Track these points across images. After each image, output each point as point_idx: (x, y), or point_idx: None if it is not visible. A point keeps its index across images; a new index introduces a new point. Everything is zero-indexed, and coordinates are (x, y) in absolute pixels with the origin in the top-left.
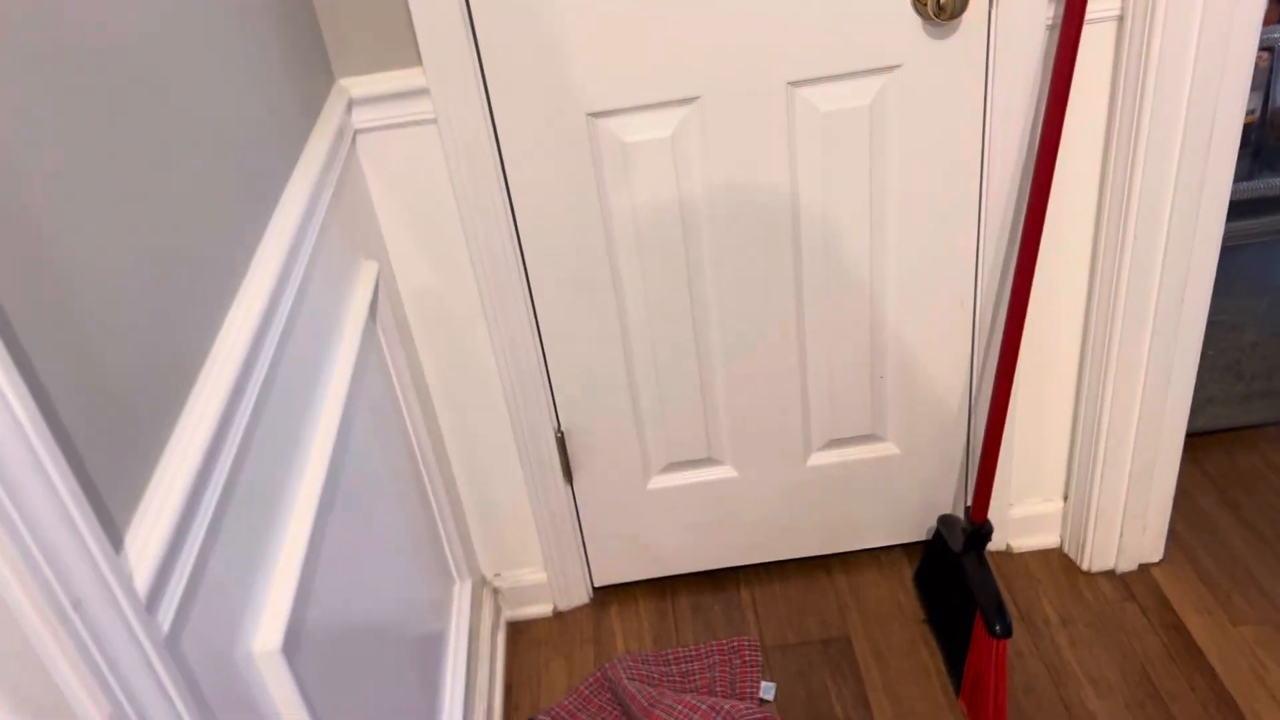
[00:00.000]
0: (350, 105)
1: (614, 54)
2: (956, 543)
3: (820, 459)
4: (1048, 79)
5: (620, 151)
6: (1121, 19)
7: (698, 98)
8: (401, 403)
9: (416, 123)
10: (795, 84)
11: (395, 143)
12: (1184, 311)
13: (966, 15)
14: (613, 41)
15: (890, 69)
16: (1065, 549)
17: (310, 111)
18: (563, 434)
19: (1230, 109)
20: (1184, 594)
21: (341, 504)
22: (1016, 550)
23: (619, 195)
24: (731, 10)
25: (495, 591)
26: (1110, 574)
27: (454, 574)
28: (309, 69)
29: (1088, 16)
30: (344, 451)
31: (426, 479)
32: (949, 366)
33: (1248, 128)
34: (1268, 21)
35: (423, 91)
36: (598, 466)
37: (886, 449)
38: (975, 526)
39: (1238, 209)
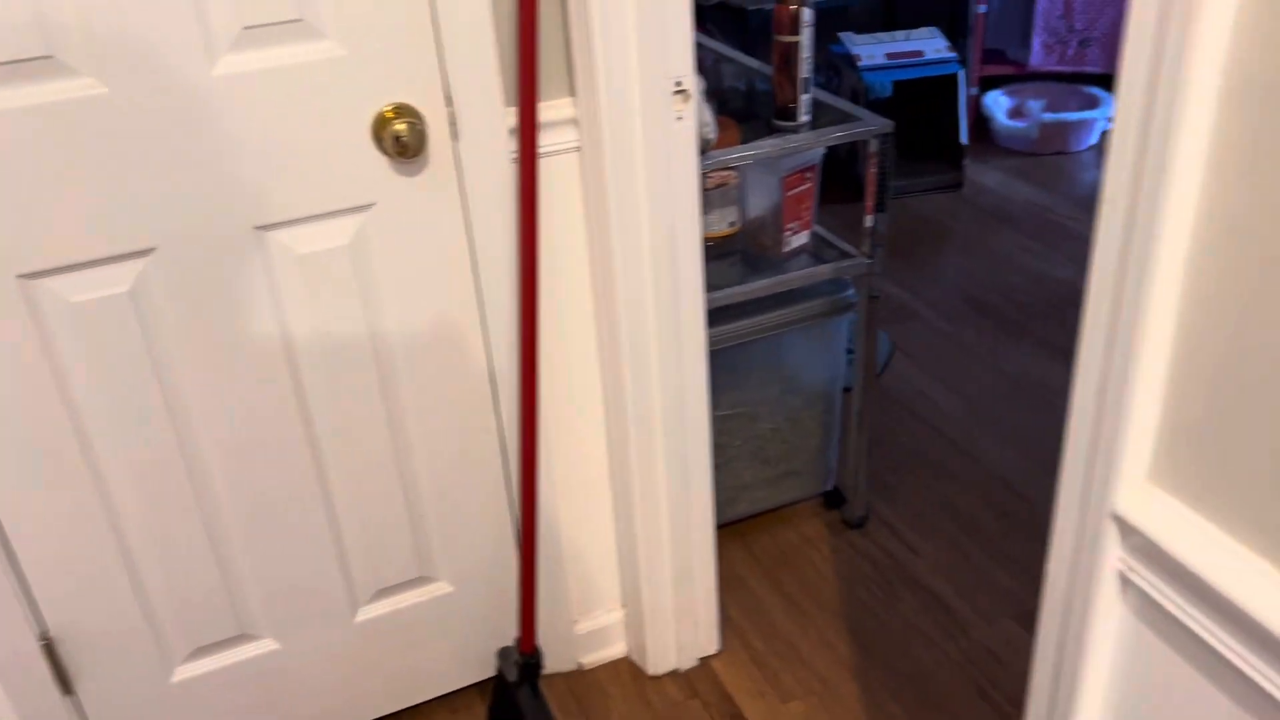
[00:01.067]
0: None
1: (47, 207)
2: (513, 675)
3: (370, 612)
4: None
5: (69, 313)
6: (581, 149)
7: (154, 249)
8: None
9: None
10: (264, 228)
11: None
12: (687, 413)
13: (431, 152)
14: (44, 194)
15: (365, 208)
16: (632, 656)
17: None
18: (50, 640)
19: (688, 226)
20: (740, 680)
21: None
22: (588, 665)
23: (76, 359)
24: (185, 155)
25: None
26: (674, 674)
27: None
28: None
29: (549, 148)
30: None
31: None
32: (486, 494)
33: (732, 238)
34: (728, 142)
35: None
36: (105, 668)
37: (439, 588)
38: (525, 657)
39: (737, 310)
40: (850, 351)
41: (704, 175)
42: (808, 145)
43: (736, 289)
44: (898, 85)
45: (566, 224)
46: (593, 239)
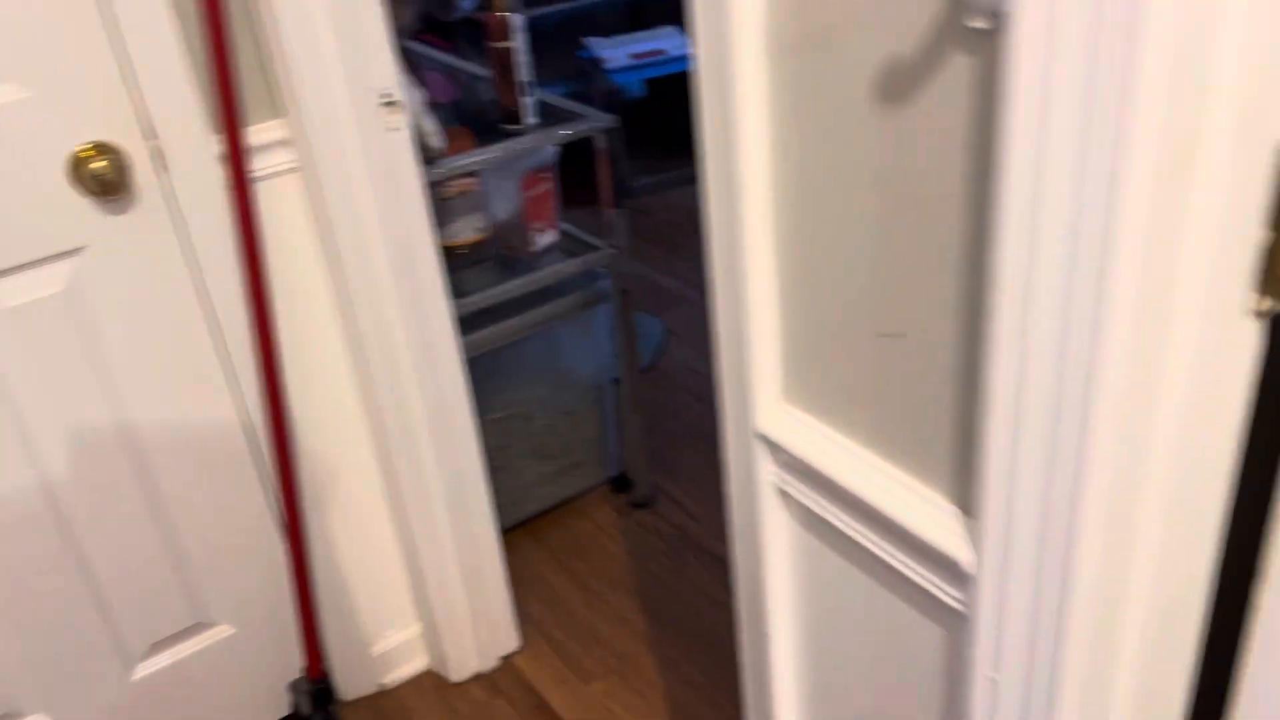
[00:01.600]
0: None
1: None
2: (306, 706)
3: (149, 667)
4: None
5: None
6: (299, 169)
7: None
8: None
9: None
10: None
11: None
12: (452, 421)
13: (138, 188)
14: None
15: (74, 252)
16: (434, 667)
17: None
18: None
19: (422, 235)
20: (543, 671)
21: None
22: (390, 685)
23: None
24: None
25: None
26: (478, 677)
27: None
28: None
29: (266, 171)
30: None
31: None
32: (254, 531)
33: (482, 243)
34: (462, 149)
35: None
36: None
37: (221, 631)
38: (314, 684)
39: (497, 313)
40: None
41: (443, 184)
42: (534, 146)
43: (491, 292)
44: (651, 84)
45: (298, 246)
46: (328, 258)
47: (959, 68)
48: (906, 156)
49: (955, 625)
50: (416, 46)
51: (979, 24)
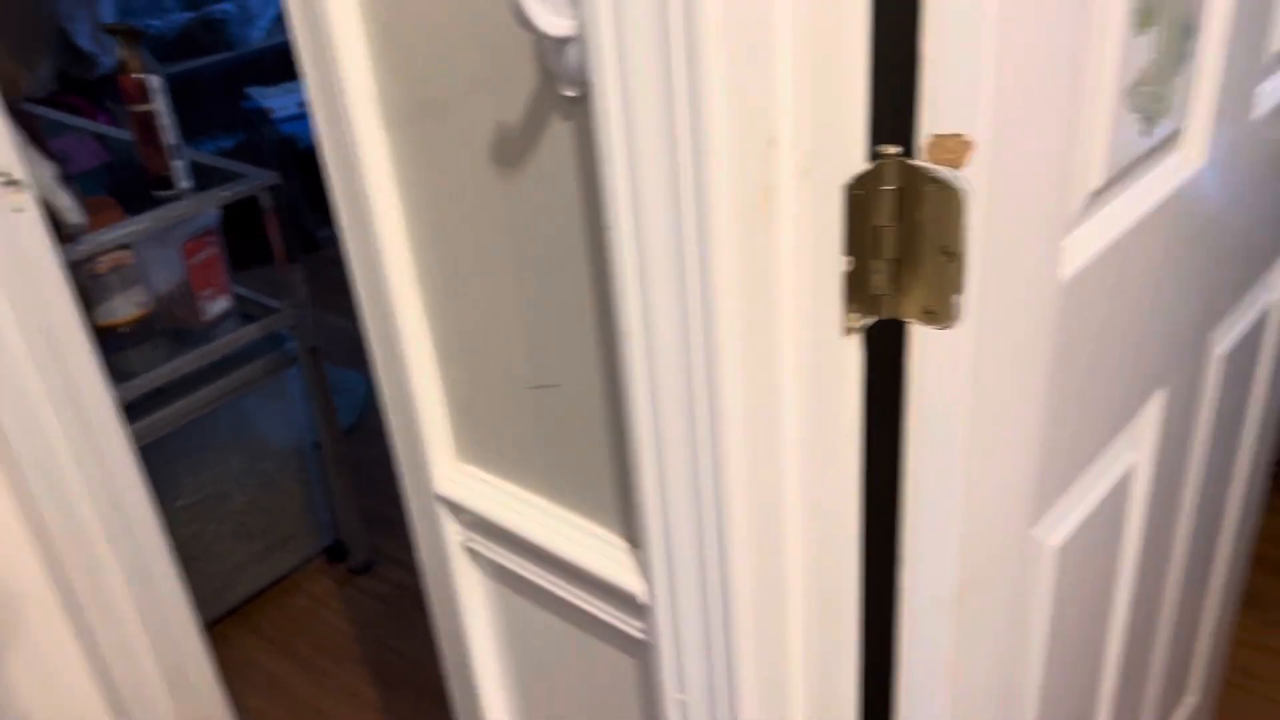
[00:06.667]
0: None
1: None
2: None
3: None
4: None
5: None
6: None
7: None
8: None
9: None
10: None
11: None
12: (130, 517)
13: None
14: None
15: None
16: None
17: None
18: None
19: (68, 319)
20: None
21: None
22: None
23: None
24: None
25: None
26: None
27: None
28: None
29: None
30: None
31: None
32: None
33: (147, 318)
34: (108, 222)
35: None
36: None
37: None
38: None
39: (174, 391)
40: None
41: (90, 260)
42: (189, 212)
43: (161, 370)
44: None
45: None
46: None
47: (561, 133)
48: (531, 218)
49: (642, 654)
50: (51, 112)
51: (571, 93)
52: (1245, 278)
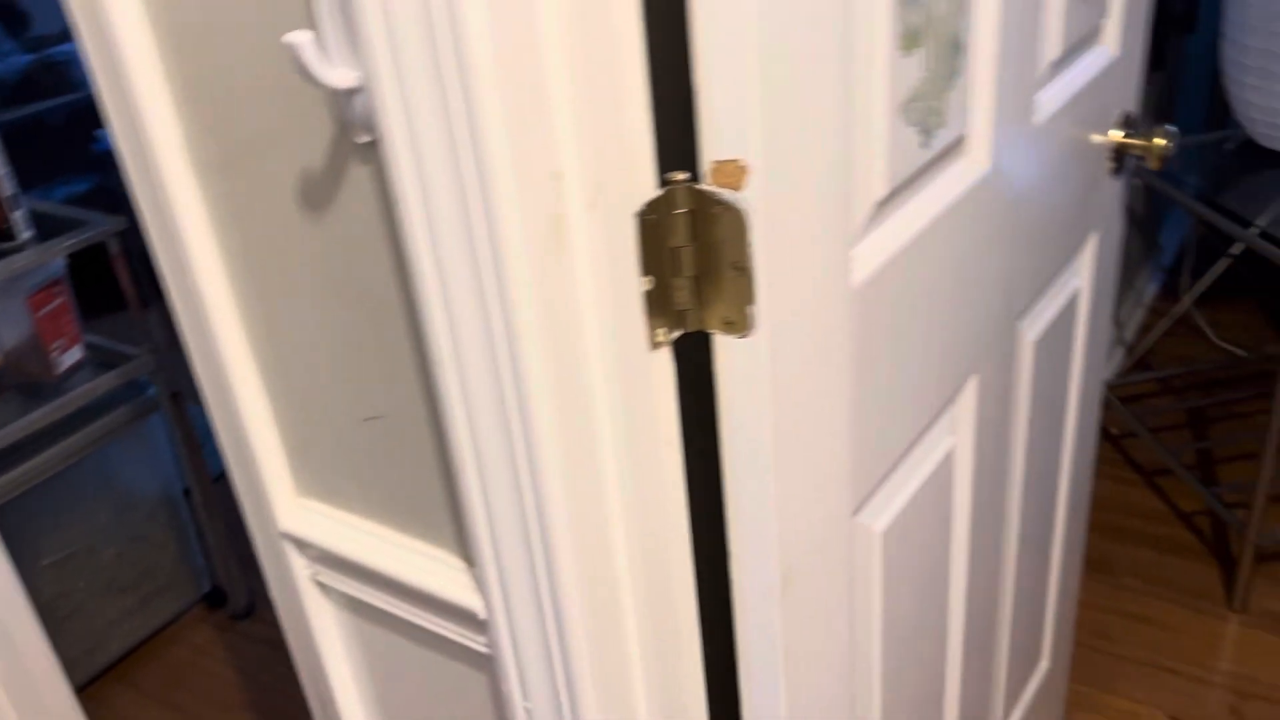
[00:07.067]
0: None
1: None
2: None
3: None
4: None
5: None
6: None
7: None
8: None
9: None
10: None
11: None
12: None
13: None
14: None
15: None
16: None
17: None
18: None
19: None
20: None
21: None
22: None
23: None
24: None
25: None
26: None
27: None
28: None
29: None
30: None
31: None
32: None
33: None
34: None
35: None
36: None
37: None
38: None
39: (30, 447)
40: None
41: None
42: (32, 264)
43: (14, 426)
44: None
45: None
46: None
47: (361, 177)
48: (342, 258)
49: (489, 668)
50: None
51: (364, 139)
52: (1049, 268)
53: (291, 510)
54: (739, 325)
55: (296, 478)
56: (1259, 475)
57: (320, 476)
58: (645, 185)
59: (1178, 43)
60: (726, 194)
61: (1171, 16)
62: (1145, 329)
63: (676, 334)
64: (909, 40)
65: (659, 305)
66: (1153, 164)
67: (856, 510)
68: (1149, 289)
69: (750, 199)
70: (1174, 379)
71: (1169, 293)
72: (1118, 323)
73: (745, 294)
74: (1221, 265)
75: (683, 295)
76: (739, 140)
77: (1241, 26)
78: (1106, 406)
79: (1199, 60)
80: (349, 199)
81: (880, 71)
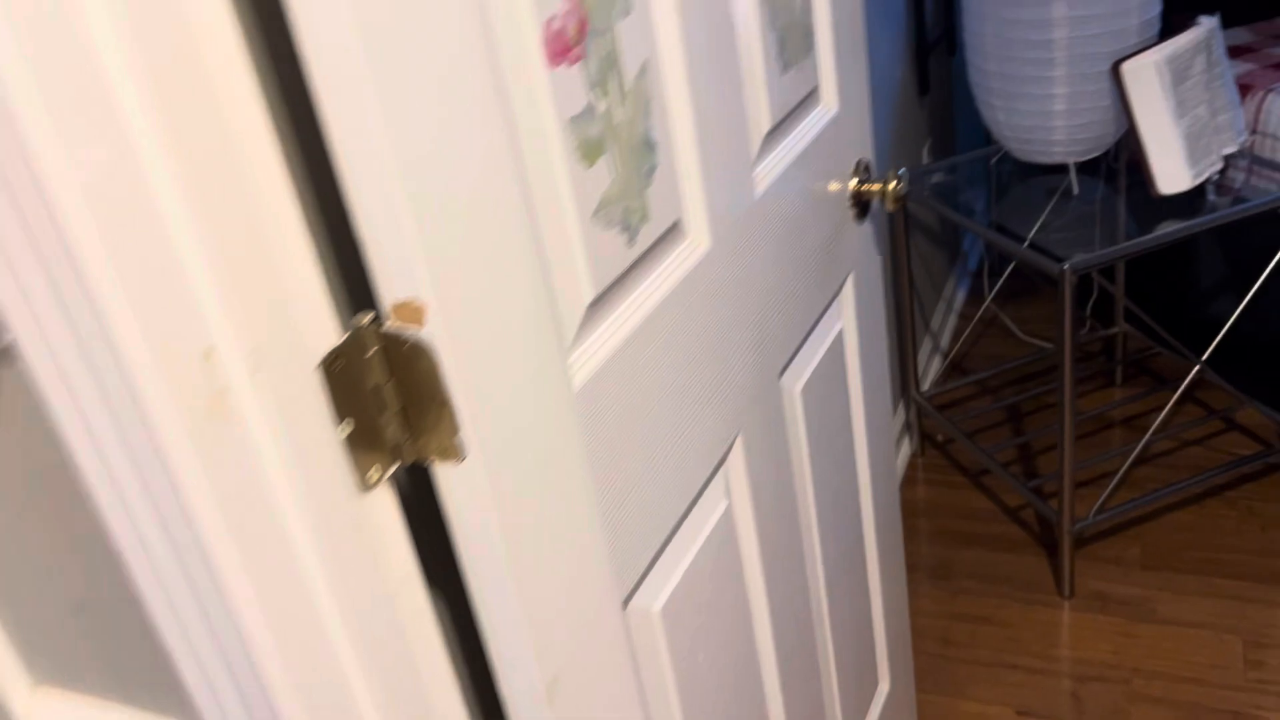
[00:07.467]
0: None
1: None
2: None
3: None
4: None
5: None
6: None
7: None
8: None
9: None
10: None
11: None
12: None
13: None
14: None
15: None
16: None
17: None
18: None
19: None
20: None
21: None
22: None
23: None
24: None
25: None
26: None
27: None
28: None
29: None
30: None
31: None
32: None
33: None
34: None
35: None
36: None
37: None
38: None
39: None
40: None
41: None
42: None
43: None
44: None
45: None
46: None
47: (5, 379)
48: (21, 459)
49: None
50: None
51: (7, 339)
52: (806, 318)
53: (28, 703)
54: (452, 452)
55: (31, 669)
56: (1062, 465)
57: (55, 665)
58: (326, 334)
59: (944, 65)
60: (410, 332)
61: (927, 42)
62: (958, 335)
63: (394, 468)
64: (589, 151)
65: (367, 444)
66: (890, 205)
67: (628, 598)
68: (959, 296)
69: (434, 334)
70: (990, 379)
71: (977, 296)
72: (932, 333)
73: (450, 424)
74: (1011, 265)
75: (393, 430)
76: (409, 281)
77: (979, 51)
78: (928, 415)
79: (965, 81)
80: (7, 400)
81: (563, 186)
